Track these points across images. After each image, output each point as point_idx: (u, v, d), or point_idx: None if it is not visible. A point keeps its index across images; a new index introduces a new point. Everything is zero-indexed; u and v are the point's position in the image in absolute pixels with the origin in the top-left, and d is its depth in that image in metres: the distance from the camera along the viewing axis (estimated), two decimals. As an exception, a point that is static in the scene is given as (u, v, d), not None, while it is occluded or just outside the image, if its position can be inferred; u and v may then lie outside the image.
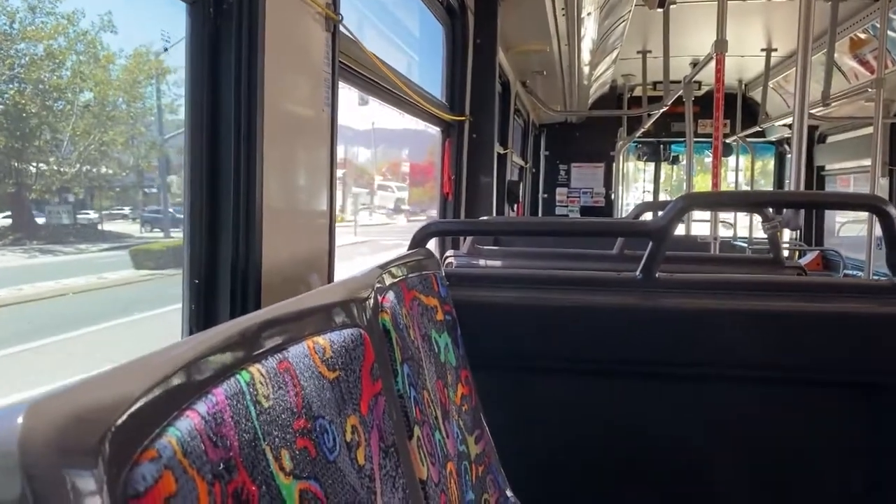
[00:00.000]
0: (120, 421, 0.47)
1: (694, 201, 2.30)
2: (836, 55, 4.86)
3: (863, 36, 5.01)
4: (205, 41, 1.30)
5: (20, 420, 0.41)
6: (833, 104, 5.00)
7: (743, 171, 8.42)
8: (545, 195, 8.97)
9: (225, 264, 1.34)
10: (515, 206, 6.13)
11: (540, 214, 8.83)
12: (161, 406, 0.53)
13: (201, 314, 1.33)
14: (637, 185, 10.61)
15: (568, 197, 8.98)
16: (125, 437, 0.47)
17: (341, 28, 1.69)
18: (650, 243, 1.75)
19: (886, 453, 1.73)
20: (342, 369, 0.86)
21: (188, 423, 0.55)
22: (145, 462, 0.49)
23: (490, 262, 2.93)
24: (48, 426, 0.42)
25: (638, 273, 1.77)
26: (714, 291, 1.77)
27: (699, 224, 6.22)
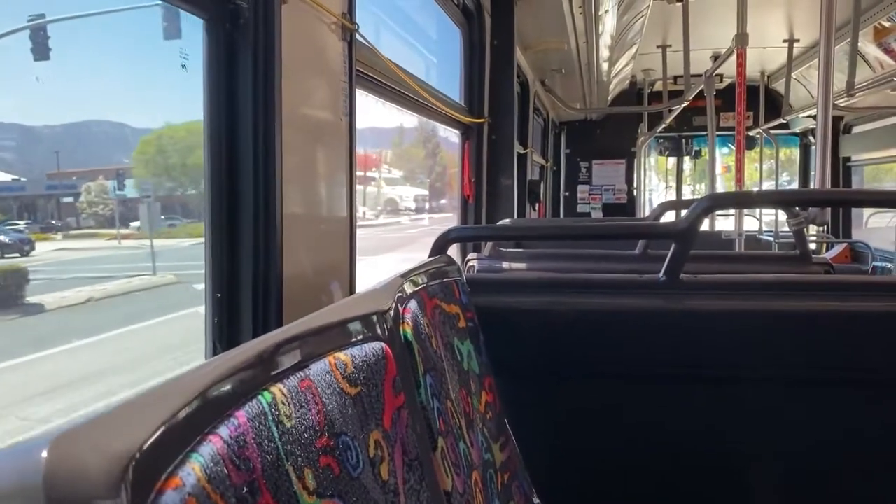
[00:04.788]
0: (143, 450, 0.47)
1: (719, 202, 2.27)
2: (859, 44, 4.76)
3: (887, 24, 4.91)
4: (221, 56, 1.31)
5: (44, 454, 0.41)
6: (858, 94, 4.90)
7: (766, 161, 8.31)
8: (566, 193, 8.90)
9: (246, 276, 1.35)
10: (537, 205, 6.10)
11: (561, 213, 8.79)
12: (183, 433, 0.53)
13: (224, 327, 1.34)
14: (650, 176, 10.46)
15: (590, 194, 8.91)
16: (148, 466, 0.48)
17: (357, 36, 1.69)
18: (673, 244, 1.73)
19: None
20: (364, 384, 0.85)
21: (211, 448, 0.55)
22: (169, 490, 0.49)
23: (512, 265, 2.92)
24: (72, 459, 0.43)
25: (661, 275, 1.75)
26: (739, 292, 1.74)
27: (723, 219, 6.15)
